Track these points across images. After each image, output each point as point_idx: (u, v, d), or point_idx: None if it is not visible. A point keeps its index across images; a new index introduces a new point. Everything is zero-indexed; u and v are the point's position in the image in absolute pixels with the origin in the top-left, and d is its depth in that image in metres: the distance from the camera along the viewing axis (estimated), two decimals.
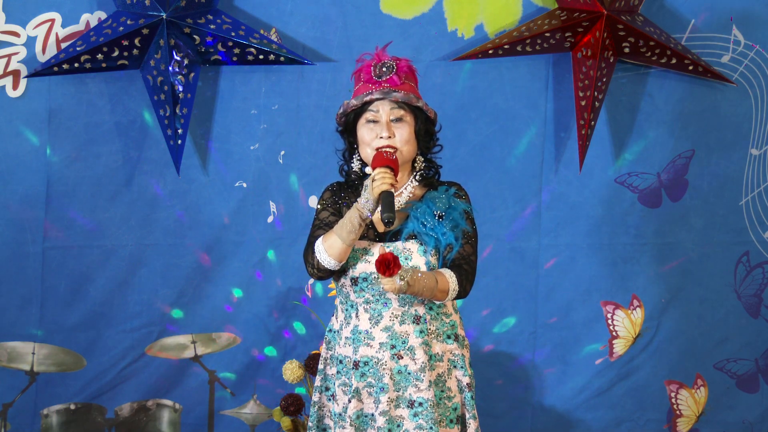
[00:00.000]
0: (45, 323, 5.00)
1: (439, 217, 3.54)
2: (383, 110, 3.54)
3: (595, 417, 5.28)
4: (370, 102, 3.55)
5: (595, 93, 4.91)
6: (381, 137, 3.52)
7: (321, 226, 3.59)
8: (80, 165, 4.93)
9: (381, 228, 3.57)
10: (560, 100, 5.07)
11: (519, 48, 4.91)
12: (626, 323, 5.25)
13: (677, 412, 5.32)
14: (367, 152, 3.56)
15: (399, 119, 3.54)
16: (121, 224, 4.99)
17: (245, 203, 5.04)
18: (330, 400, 3.66)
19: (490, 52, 4.91)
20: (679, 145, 5.16)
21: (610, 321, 5.25)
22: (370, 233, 3.57)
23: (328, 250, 3.49)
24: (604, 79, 4.94)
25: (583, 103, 4.94)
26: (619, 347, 5.26)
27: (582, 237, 5.17)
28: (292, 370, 4.80)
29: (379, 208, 3.42)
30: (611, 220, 5.17)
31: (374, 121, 3.54)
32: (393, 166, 3.44)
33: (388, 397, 3.53)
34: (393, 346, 3.55)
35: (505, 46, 4.89)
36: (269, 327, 5.14)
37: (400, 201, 3.60)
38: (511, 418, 5.24)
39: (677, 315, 5.26)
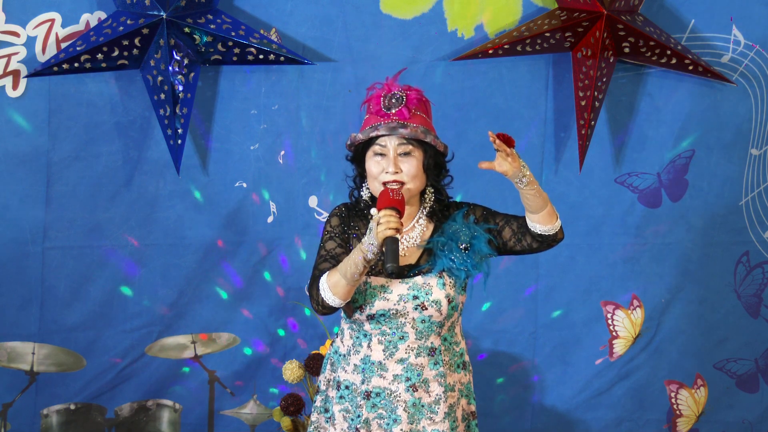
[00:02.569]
0: (45, 323, 5.00)
1: (465, 249, 3.50)
2: (390, 145, 3.46)
3: (595, 417, 5.28)
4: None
5: (595, 93, 4.91)
6: (387, 172, 3.48)
7: (327, 258, 3.51)
8: (80, 165, 4.93)
9: (397, 263, 3.48)
10: (560, 100, 5.07)
11: (519, 48, 4.91)
12: (626, 323, 5.25)
13: (677, 412, 5.32)
14: (375, 186, 3.49)
15: (407, 154, 3.48)
16: (121, 224, 4.99)
17: (245, 203, 5.04)
18: (327, 422, 3.62)
19: (490, 52, 4.91)
20: (679, 145, 5.16)
21: (610, 321, 5.25)
22: None
23: (332, 289, 3.42)
24: (604, 79, 4.94)
25: (583, 103, 4.94)
26: (619, 347, 5.27)
27: (582, 237, 5.17)
28: (292, 370, 4.80)
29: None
30: (611, 220, 5.17)
31: (382, 155, 3.48)
32: (399, 207, 3.36)
33: (401, 429, 3.49)
34: (408, 379, 3.50)
35: (505, 46, 4.89)
36: (269, 327, 5.14)
37: (413, 236, 3.56)
38: (511, 418, 5.24)
39: (677, 315, 5.26)
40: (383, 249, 3.32)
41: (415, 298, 3.47)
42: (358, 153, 3.54)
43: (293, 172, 5.05)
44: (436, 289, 3.48)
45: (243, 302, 5.11)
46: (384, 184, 3.46)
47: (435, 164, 3.53)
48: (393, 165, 3.45)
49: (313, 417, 3.66)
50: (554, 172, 5.11)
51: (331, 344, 3.68)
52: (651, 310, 5.25)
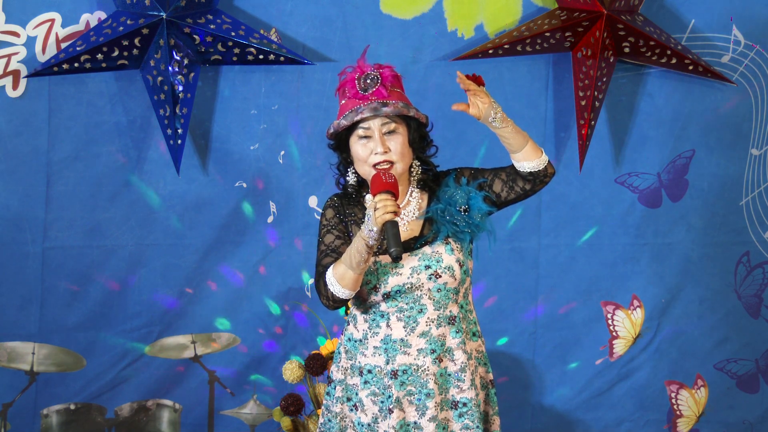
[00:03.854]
0: (45, 323, 5.00)
1: (464, 210, 3.50)
2: (375, 126, 3.45)
3: (595, 417, 5.28)
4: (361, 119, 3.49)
5: (595, 93, 4.91)
6: (376, 153, 3.47)
7: (328, 252, 3.50)
8: (80, 165, 4.93)
9: (402, 237, 3.48)
10: (560, 100, 5.07)
11: (519, 48, 4.91)
12: (626, 323, 5.25)
13: (677, 412, 5.32)
14: (364, 169, 3.48)
15: (392, 132, 3.48)
16: (121, 224, 4.99)
17: (245, 203, 5.04)
18: (353, 410, 3.60)
19: (490, 52, 4.91)
20: (679, 145, 5.16)
21: (610, 321, 5.25)
22: None
23: (340, 282, 3.41)
24: (604, 79, 4.94)
25: (583, 103, 4.94)
26: (619, 347, 5.26)
27: (582, 237, 5.17)
28: (292, 370, 4.80)
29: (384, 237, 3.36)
30: (611, 220, 5.17)
31: (367, 137, 3.48)
32: (393, 189, 3.36)
33: (435, 402, 3.49)
34: (433, 351, 3.49)
35: (505, 46, 4.90)
36: (269, 327, 5.14)
37: (411, 210, 3.55)
38: (511, 418, 5.24)
39: (677, 315, 5.26)
40: (384, 233, 3.32)
41: (428, 267, 3.47)
42: (340, 140, 3.54)
43: (293, 172, 5.05)
44: (445, 255, 3.47)
45: (243, 302, 5.11)
46: (374, 166, 3.45)
47: (419, 136, 3.53)
48: (381, 145, 3.45)
49: (336, 408, 3.61)
50: None
51: (342, 333, 3.66)
52: (651, 310, 5.24)
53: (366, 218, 3.34)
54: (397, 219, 3.35)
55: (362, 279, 3.45)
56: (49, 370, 5.04)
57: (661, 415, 5.32)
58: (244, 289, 5.10)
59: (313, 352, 4.84)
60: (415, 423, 3.50)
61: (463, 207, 3.49)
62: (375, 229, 3.32)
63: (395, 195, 3.36)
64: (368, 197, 3.40)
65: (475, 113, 3.43)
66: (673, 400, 5.31)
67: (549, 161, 3.51)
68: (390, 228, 3.30)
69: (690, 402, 5.32)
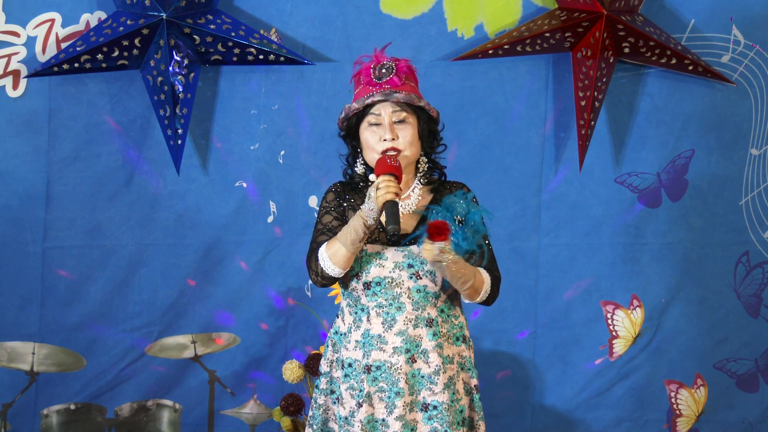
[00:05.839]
0: (45, 323, 5.00)
1: (460, 222, 3.51)
2: (385, 112, 3.50)
3: (595, 417, 5.28)
4: (372, 105, 3.52)
5: (595, 93, 4.91)
6: (384, 140, 3.50)
7: (324, 231, 3.55)
8: (80, 165, 4.93)
9: (398, 225, 3.53)
10: (560, 100, 5.07)
11: (519, 48, 4.91)
12: (626, 323, 5.25)
13: (677, 411, 5.32)
14: (372, 156, 3.52)
15: (402, 121, 3.51)
16: (121, 224, 4.99)
17: (245, 203, 5.05)
18: (335, 403, 3.63)
19: (490, 52, 4.91)
20: (679, 145, 5.16)
21: (610, 321, 5.25)
22: (382, 237, 3.53)
23: (332, 258, 3.46)
24: (604, 79, 4.94)
25: (582, 103, 4.94)
26: (619, 347, 5.27)
27: (582, 237, 5.17)
28: (292, 370, 4.81)
29: (384, 218, 3.39)
30: (611, 220, 5.17)
31: (377, 124, 3.52)
32: (397, 173, 3.40)
33: (404, 401, 3.52)
34: (407, 350, 3.52)
35: (505, 46, 4.90)
36: (269, 327, 5.14)
37: (409, 204, 3.58)
38: (511, 418, 5.25)
39: (677, 315, 5.26)
40: (383, 214, 3.36)
41: (410, 266, 3.50)
42: (351, 127, 3.56)
43: (293, 172, 5.05)
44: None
45: (243, 302, 5.11)
46: (382, 153, 3.49)
47: (429, 131, 3.56)
48: (390, 132, 3.49)
49: (320, 400, 3.65)
50: (554, 172, 5.11)
51: (331, 326, 3.69)
52: (651, 310, 5.25)
53: (367, 197, 3.38)
54: (398, 200, 3.39)
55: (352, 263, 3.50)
56: (49, 370, 5.04)
57: (661, 415, 5.33)
58: (244, 289, 5.11)
59: (313, 352, 4.84)
60: (383, 420, 3.53)
61: (459, 217, 3.50)
62: (375, 208, 3.37)
63: (398, 179, 3.41)
64: (371, 176, 3.44)
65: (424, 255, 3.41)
66: (673, 400, 5.31)
67: (488, 297, 3.56)
68: (390, 207, 3.35)
69: (689, 401, 5.32)
